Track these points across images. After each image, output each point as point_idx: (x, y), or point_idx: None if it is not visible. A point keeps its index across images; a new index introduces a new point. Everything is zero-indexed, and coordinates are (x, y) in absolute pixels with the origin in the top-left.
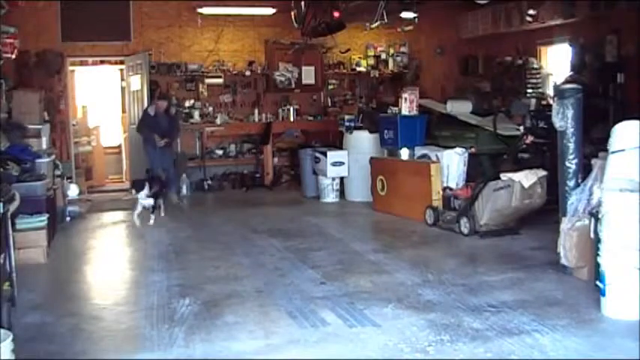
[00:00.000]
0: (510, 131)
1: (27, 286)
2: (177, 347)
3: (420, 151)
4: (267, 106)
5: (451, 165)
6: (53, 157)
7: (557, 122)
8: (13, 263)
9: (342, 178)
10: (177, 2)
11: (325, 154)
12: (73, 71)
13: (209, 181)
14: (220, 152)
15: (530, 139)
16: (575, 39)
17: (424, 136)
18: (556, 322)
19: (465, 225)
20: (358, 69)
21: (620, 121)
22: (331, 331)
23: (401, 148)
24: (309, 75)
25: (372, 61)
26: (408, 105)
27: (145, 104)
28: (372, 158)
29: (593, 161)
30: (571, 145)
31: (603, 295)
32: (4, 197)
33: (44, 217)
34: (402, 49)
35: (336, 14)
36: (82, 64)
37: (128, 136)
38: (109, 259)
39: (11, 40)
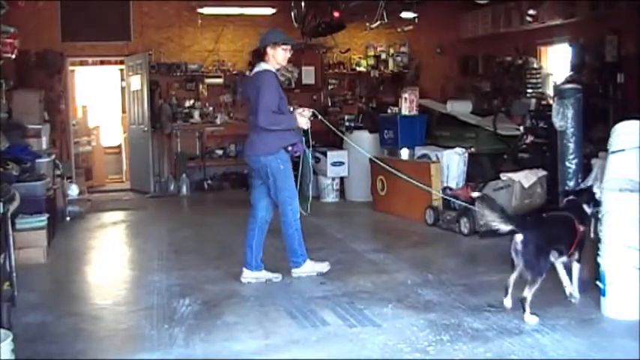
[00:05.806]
0: (510, 131)
1: (27, 286)
2: (177, 347)
3: (420, 151)
4: None
5: (451, 165)
6: (53, 157)
7: (557, 122)
8: (13, 263)
9: (342, 178)
10: (177, 2)
11: (325, 154)
12: (73, 71)
13: (209, 181)
14: (220, 152)
15: (530, 139)
16: (575, 39)
17: (424, 136)
18: (556, 322)
19: (465, 225)
20: (358, 69)
21: (620, 121)
22: (331, 331)
23: (401, 148)
24: (309, 75)
25: (372, 61)
26: (408, 105)
27: (145, 104)
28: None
29: (593, 161)
30: (571, 145)
31: (603, 295)
32: (4, 197)
33: (44, 217)
34: (402, 49)
35: (336, 14)
36: (82, 64)
37: (128, 136)
38: (109, 259)
39: (11, 40)
